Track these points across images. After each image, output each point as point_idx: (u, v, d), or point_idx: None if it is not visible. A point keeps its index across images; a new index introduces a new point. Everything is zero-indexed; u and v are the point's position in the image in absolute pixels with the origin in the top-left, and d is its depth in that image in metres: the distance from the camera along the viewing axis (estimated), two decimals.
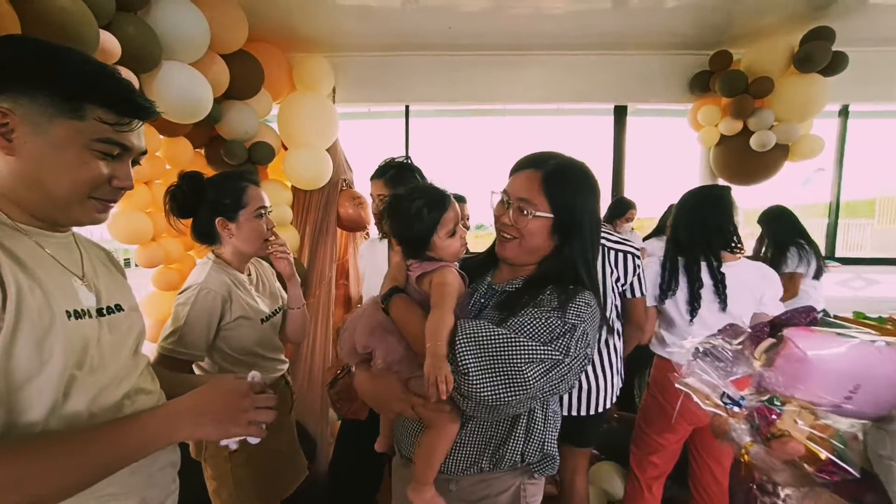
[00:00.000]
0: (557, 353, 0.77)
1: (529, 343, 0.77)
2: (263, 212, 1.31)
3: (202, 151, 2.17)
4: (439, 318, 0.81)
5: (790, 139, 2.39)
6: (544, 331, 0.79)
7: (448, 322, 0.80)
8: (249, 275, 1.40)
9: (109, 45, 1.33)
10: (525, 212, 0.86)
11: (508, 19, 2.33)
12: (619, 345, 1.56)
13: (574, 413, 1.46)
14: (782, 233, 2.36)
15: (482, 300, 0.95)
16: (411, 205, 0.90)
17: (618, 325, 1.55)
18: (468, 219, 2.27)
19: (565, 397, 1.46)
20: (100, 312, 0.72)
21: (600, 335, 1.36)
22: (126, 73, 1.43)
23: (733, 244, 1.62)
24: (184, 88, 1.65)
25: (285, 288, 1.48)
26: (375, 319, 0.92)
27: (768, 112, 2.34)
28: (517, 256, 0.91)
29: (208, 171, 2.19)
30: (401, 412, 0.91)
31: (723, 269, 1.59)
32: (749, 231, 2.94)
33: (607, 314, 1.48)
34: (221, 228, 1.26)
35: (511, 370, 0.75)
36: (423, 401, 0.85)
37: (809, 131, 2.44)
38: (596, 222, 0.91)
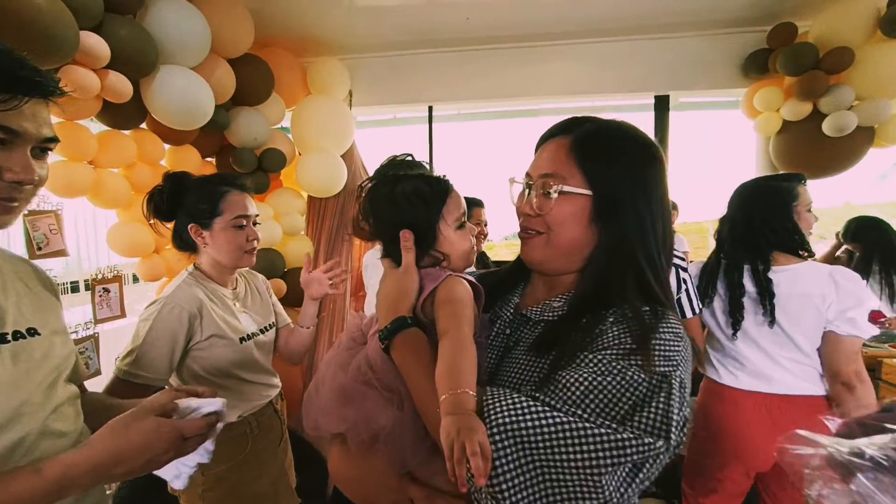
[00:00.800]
0: (650, 438, 0.46)
1: (602, 430, 0.46)
2: (245, 222, 1.18)
3: (213, 160, 2.12)
4: (457, 352, 0.53)
5: (876, 120, 1.99)
6: (621, 397, 0.48)
7: (470, 357, 0.53)
8: (235, 288, 1.27)
9: (95, 47, 1.27)
10: (550, 189, 0.60)
11: (530, 7, 2.13)
12: None
13: None
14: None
15: (507, 332, 0.67)
16: (408, 185, 0.65)
17: None
18: (486, 224, 2.07)
19: None
20: (2, 338, 0.60)
21: None
22: (119, 78, 1.38)
23: (793, 243, 1.31)
24: (183, 93, 1.58)
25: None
26: (350, 375, 0.62)
27: (846, 89, 1.97)
28: (547, 259, 0.64)
29: None
30: None
31: (773, 274, 1.28)
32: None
33: None
34: (195, 236, 1.14)
35: (579, 486, 0.46)
36: (430, 495, 0.57)
37: None
38: (662, 208, 0.62)
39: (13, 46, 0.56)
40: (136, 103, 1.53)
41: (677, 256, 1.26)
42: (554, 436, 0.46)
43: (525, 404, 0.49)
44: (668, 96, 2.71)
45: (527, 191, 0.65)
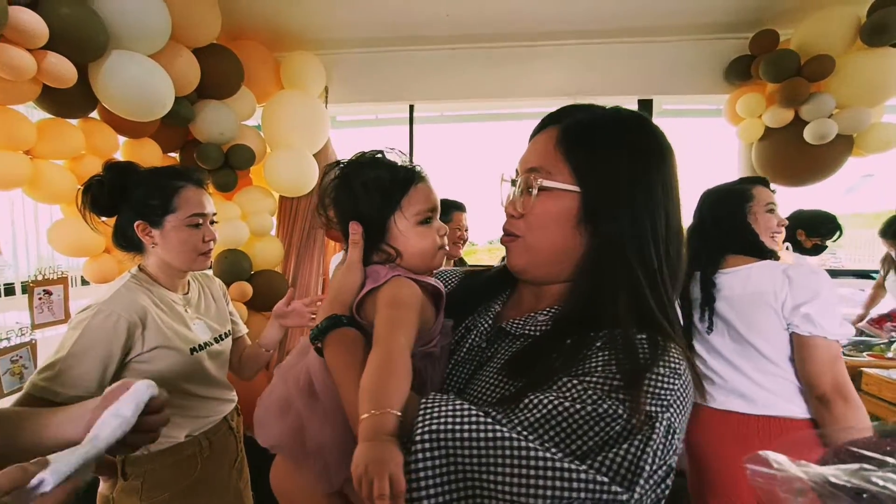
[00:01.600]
0: (605, 479, 0.37)
1: (548, 455, 0.38)
2: (201, 220, 1.07)
3: (177, 156, 1.99)
4: (384, 365, 0.46)
5: (856, 128, 1.99)
6: (588, 430, 0.40)
7: (401, 371, 0.46)
8: (187, 293, 1.16)
9: (30, 24, 1.15)
10: (531, 187, 0.52)
11: (511, 4, 2.07)
12: None
13: None
14: None
15: (483, 345, 0.59)
16: (369, 172, 0.59)
17: None
18: (466, 230, 1.99)
19: None
20: None
21: None
22: (60, 60, 1.26)
23: (745, 243, 1.25)
24: (137, 82, 1.47)
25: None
26: (290, 384, 0.57)
27: (827, 97, 1.96)
28: (529, 266, 0.57)
29: None
30: None
31: (724, 276, 1.22)
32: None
33: None
34: (142, 234, 1.03)
35: None
36: None
37: (881, 119, 2.02)
38: (668, 212, 0.52)
39: None
40: (84, 90, 1.41)
41: None
42: (490, 451, 0.38)
43: (467, 413, 0.41)
44: (651, 101, 2.68)
45: (513, 189, 0.57)
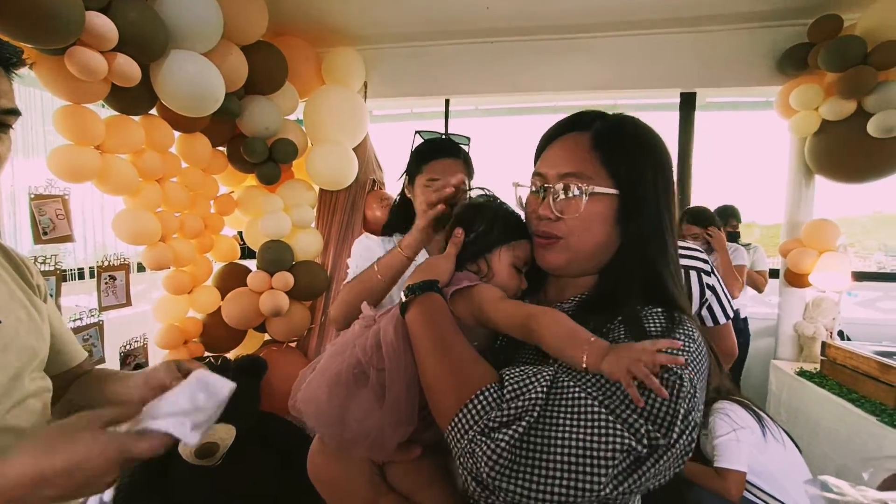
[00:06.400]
0: (652, 434, 0.43)
1: (605, 415, 0.44)
2: None
3: (224, 149, 2.09)
4: (559, 319, 0.52)
5: None
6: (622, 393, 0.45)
7: (568, 319, 0.53)
8: None
9: (103, 28, 1.23)
10: (576, 190, 0.57)
11: None
12: None
13: None
14: None
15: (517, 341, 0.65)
16: (507, 207, 0.71)
17: None
18: None
19: None
20: None
21: None
22: (127, 61, 1.34)
23: None
24: (193, 79, 1.54)
25: None
26: (347, 362, 0.60)
27: None
28: (570, 263, 0.61)
29: (230, 171, 2.13)
30: None
31: None
32: (846, 242, 2.38)
33: None
34: None
35: (579, 457, 0.42)
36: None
37: None
38: (674, 207, 0.61)
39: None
40: (146, 88, 1.50)
41: (700, 259, 1.16)
42: (574, 411, 0.45)
43: (535, 371, 0.49)
44: (694, 94, 2.58)
45: (542, 191, 0.61)
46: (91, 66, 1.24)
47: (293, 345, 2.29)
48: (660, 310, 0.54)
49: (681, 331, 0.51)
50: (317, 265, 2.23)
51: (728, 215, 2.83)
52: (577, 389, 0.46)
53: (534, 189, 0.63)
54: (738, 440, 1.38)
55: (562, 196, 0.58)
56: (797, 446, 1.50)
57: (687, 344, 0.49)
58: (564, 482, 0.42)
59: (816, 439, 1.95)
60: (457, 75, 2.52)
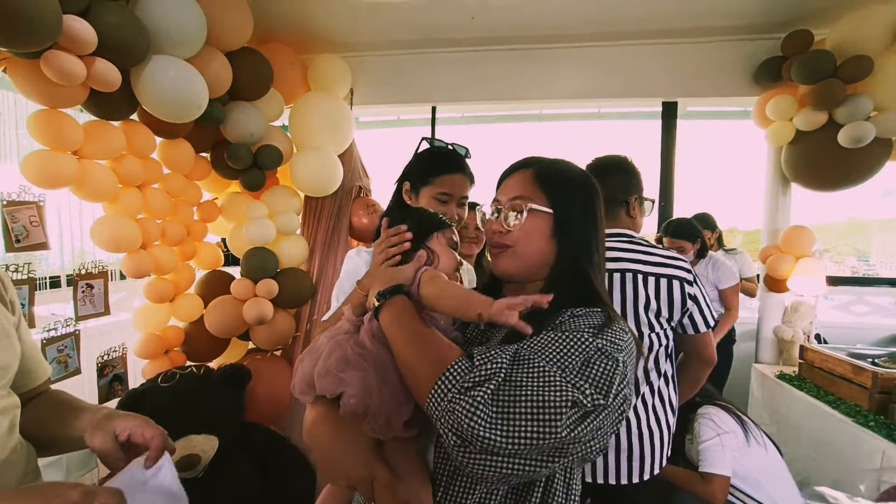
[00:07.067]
0: (594, 395, 0.55)
1: (559, 377, 0.56)
2: None
3: (208, 156, 2.06)
4: (464, 291, 0.71)
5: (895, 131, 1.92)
6: (574, 359, 0.58)
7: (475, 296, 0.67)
8: None
9: (82, 33, 1.21)
10: (520, 210, 0.73)
11: (538, 8, 2.07)
12: (671, 393, 1.21)
13: (613, 481, 1.12)
14: None
15: (481, 328, 0.78)
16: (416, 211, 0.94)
17: (667, 369, 1.20)
18: (477, 229, 1.98)
19: (599, 460, 1.13)
20: None
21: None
22: (106, 66, 1.32)
23: None
24: (175, 85, 1.53)
25: None
26: (355, 346, 0.68)
27: (863, 99, 1.90)
28: (516, 269, 0.75)
29: (214, 177, 2.10)
30: (355, 484, 0.65)
31: None
32: (822, 248, 2.45)
33: (649, 354, 1.16)
34: None
35: (541, 408, 0.54)
36: (392, 481, 0.64)
37: None
38: (599, 233, 0.76)
39: None
40: (126, 93, 1.48)
41: (683, 269, 1.18)
42: (534, 374, 0.56)
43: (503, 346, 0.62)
44: (675, 103, 2.64)
45: (495, 214, 0.77)
46: (68, 71, 1.22)
47: (278, 353, 2.25)
48: (598, 310, 0.66)
49: (616, 325, 0.64)
50: (302, 272, 2.20)
51: (703, 225, 2.79)
52: (536, 359, 0.58)
53: (492, 211, 0.79)
54: (722, 445, 1.40)
55: (511, 214, 0.74)
56: (778, 449, 1.53)
57: (622, 335, 0.63)
58: (531, 427, 0.52)
59: (797, 441, 1.99)
60: (443, 83, 2.54)
